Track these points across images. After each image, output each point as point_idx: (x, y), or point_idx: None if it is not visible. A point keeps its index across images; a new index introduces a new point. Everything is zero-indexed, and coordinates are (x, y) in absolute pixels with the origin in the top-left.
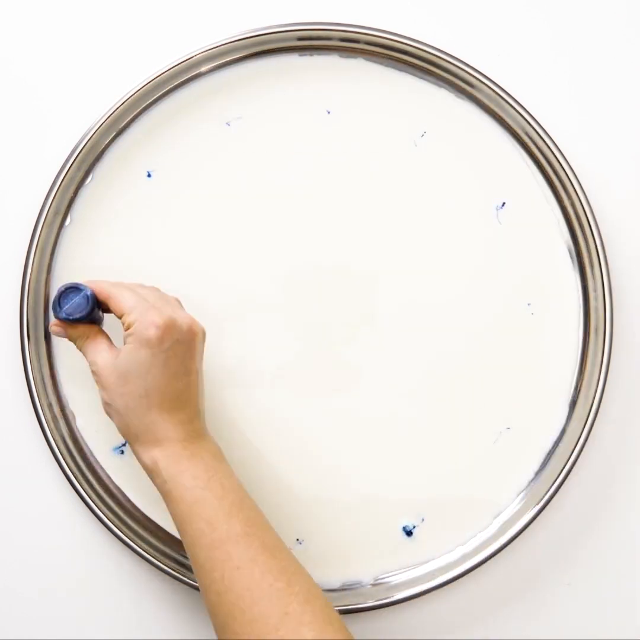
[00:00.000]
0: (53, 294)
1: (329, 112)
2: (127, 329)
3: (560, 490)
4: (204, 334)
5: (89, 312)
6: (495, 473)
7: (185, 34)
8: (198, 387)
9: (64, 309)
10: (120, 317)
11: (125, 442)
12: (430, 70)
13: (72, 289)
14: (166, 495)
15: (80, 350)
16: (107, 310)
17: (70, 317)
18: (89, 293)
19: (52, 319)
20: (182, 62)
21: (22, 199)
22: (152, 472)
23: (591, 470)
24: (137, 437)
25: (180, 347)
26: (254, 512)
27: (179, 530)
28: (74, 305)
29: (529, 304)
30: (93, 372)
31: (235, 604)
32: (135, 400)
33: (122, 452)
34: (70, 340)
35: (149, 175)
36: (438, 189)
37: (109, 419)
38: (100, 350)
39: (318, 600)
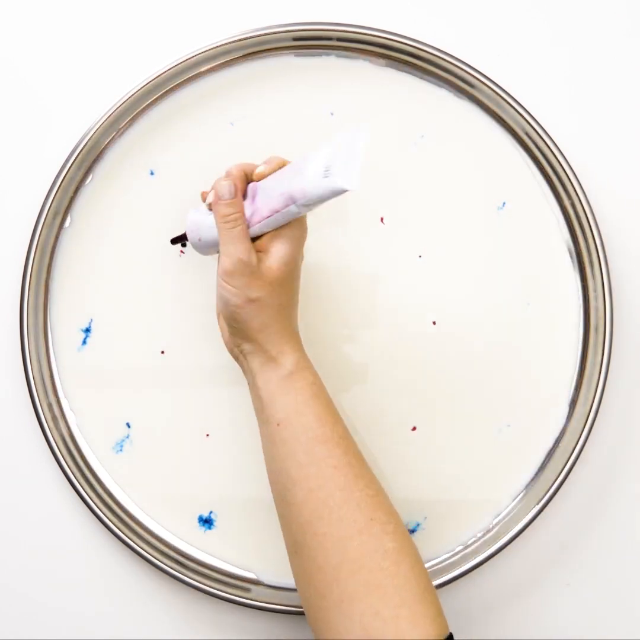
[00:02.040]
0: (56, 293)
1: (332, 114)
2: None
3: (560, 490)
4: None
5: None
6: (496, 473)
7: (185, 34)
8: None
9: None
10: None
11: (123, 440)
12: (430, 70)
13: None
14: (283, 388)
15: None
16: None
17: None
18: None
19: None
20: (182, 62)
21: (22, 199)
22: (275, 365)
23: (591, 470)
24: (277, 333)
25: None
26: (343, 423)
27: (280, 423)
28: None
29: (528, 304)
30: (246, 268)
31: (324, 502)
32: (287, 300)
33: (121, 450)
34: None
35: (151, 173)
36: (438, 189)
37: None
38: (250, 248)
39: (398, 516)
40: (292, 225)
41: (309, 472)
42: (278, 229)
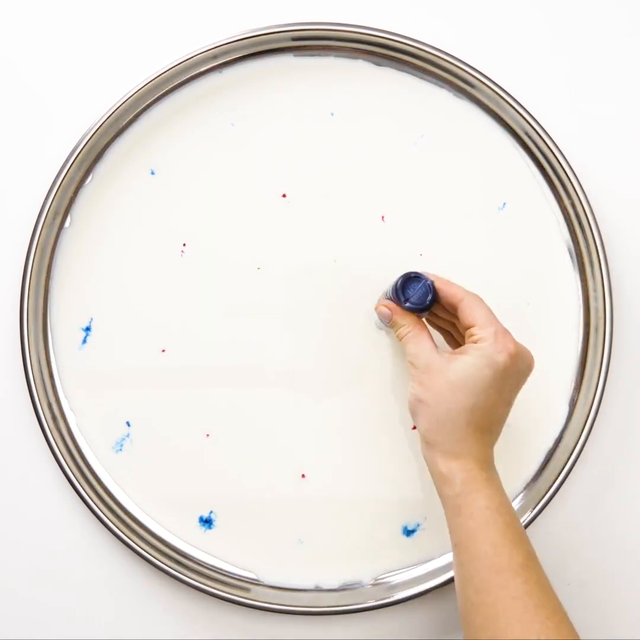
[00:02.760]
0: (56, 293)
1: (332, 114)
2: (474, 341)
3: (560, 490)
4: (533, 369)
5: (428, 306)
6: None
7: (185, 34)
8: (507, 417)
9: (408, 296)
10: (467, 326)
11: (123, 439)
12: (430, 70)
13: (415, 277)
14: (455, 509)
15: (401, 338)
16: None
17: (412, 306)
18: (430, 283)
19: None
20: (182, 62)
21: (22, 199)
22: (445, 482)
23: (591, 470)
24: (442, 444)
25: (517, 377)
26: (531, 547)
27: (457, 545)
28: (418, 294)
29: (528, 304)
30: (414, 365)
31: (503, 632)
32: (459, 411)
33: (121, 449)
34: (393, 326)
35: (152, 173)
36: (438, 188)
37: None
38: (427, 348)
39: None
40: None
41: (486, 600)
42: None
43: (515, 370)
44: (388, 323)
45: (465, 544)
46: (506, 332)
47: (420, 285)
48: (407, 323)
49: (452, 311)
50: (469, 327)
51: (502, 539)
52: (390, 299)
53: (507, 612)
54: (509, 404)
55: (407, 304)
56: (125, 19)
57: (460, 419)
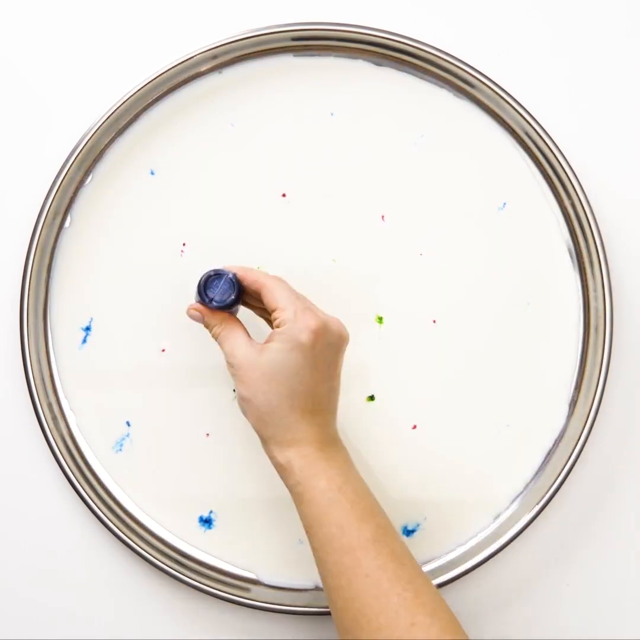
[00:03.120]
0: (56, 292)
1: (332, 114)
2: (277, 326)
3: (560, 490)
4: (348, 338)
5: (234, 300)
6: (495, 473)
7: (185, 34)
8: (338, 391)
9: (211, 295)
10: (271, 311)
11: (123, 439)
12: (430, 70)
13: (217, 274)
14: (298, 497)
15: (215, 338)
16: (244, 302)
17: (216, 304)
18: (231, 277)
19: (192, 302)
20: (182, 62)
21: (22, 199)
22: (284, 472)
23: (591, 470)
24: (274, 436)
25: (330, 351)
26: (383, 519)
27: (307, 532)
28: (221, 291)
29: (528, 304)
30: (230, 364)
31: (361, 611)
32: (279, 399)
33: (121, 449)
34: (206, 327)
35: (152, 173)
36: (438, 189)
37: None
38: (240, 343)
39: (445, 612)
40: (297, 322)
41: (341, 582)
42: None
43: (324, 343)
44: (206, 326)
45: (314, 530)
46: (306, 309)
47: (222, 281)
48: (217, 322)
49: (258, 299)
50: (273, 312)
51: (347, 518)
52: (199, 301)
53: (363, 591)
54: (331, 378)
55: (213, 303)
56: (125, 19)
57: (284, 407)
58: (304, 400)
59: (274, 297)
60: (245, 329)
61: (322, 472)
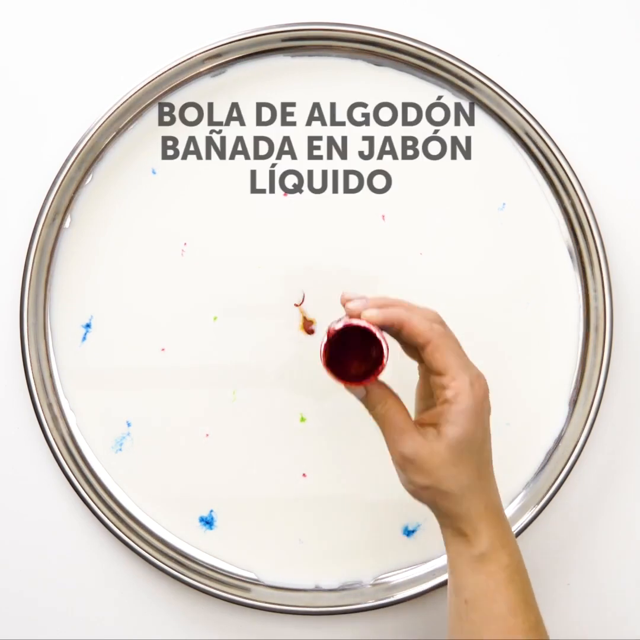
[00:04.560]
0: (56, 292)
1: (332, 114)
2: (447, 400)
3: (560, 490)
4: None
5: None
6: (495, 473)
7: (185, 34)
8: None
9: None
10: (435, 373)
11: (123, 439)
12: (430, 70)
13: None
14: (473, 566)
15: (374, 418)
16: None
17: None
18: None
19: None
20: (182, 62)
21: (22, 199)
22: (468, 543)
23: (591, 470)
24: (468, 513)
25: (488, 405)
26: (537, 607)
27: (468, 602)
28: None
29: (528, 304)
30: (400, 457)
31: None
32: (469, 478)
33: (121, 449)
34: (364, 403)
35: (153, 172)
36: (438, 189)
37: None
38: (409, 435)
39: None
40: (464, 395)
41: None
42: (451, 404)
43: (488, 401)
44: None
45: (479, 602)
46: (475, 373)
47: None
48: (378, 401)
49: (409, 342)
50: (438, 375)
51: (519, 599)
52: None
53: None
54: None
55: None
56: (125, 19)
57: (473, 479)
58: (486, 467)
59: (442, 359)
60: (404, 407)
61: (507, 546)
